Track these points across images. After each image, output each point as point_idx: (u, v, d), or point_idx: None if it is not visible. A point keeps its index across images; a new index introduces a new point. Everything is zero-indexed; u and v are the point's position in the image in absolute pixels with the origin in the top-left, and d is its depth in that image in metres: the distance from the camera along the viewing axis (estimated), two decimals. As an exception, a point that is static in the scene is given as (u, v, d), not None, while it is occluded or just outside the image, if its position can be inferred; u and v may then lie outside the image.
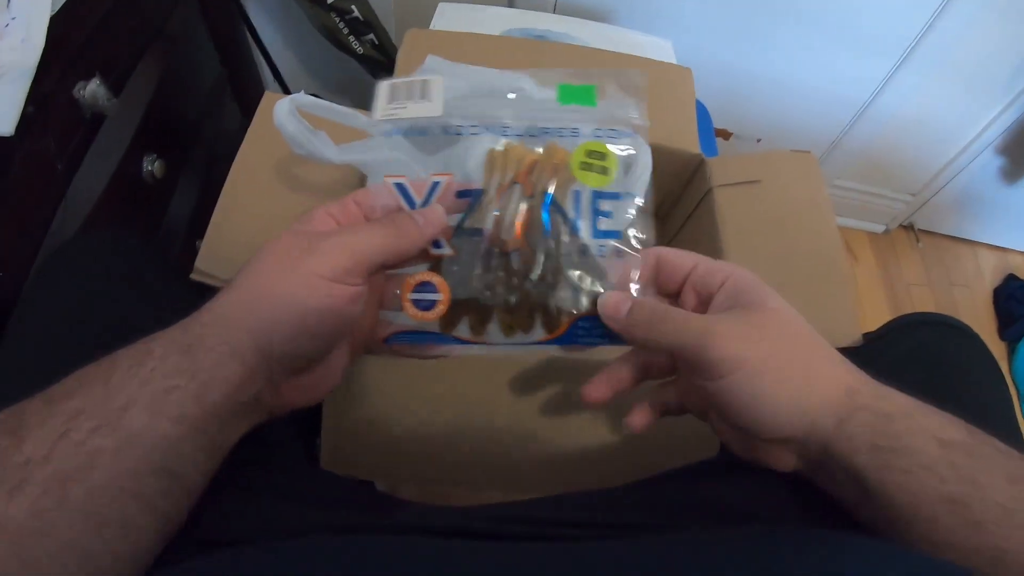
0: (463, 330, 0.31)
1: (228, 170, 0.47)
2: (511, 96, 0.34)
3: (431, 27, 0.74)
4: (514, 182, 0.31)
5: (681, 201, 0.61)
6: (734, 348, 0.27)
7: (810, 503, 0.31)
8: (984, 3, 0.89)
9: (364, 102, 0.36)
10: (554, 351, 0.32)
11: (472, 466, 0.45)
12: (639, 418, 0.33)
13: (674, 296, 0.33)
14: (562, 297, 0.31)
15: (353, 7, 0.89)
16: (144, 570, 0.25)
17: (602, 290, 0.31)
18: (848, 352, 0.47)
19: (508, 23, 0.76)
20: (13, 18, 0.47)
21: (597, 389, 0.32)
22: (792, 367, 0.28)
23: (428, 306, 0.30)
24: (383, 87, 0.34)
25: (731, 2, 0.93)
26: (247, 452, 0.29)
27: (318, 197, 0.48)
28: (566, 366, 0.44)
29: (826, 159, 1.18)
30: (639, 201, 0.32)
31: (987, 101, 1.06)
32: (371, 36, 0.93)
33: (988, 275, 1.36)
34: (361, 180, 0.48)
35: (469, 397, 0.44)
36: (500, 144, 0.32)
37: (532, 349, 0.32)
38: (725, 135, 1.16)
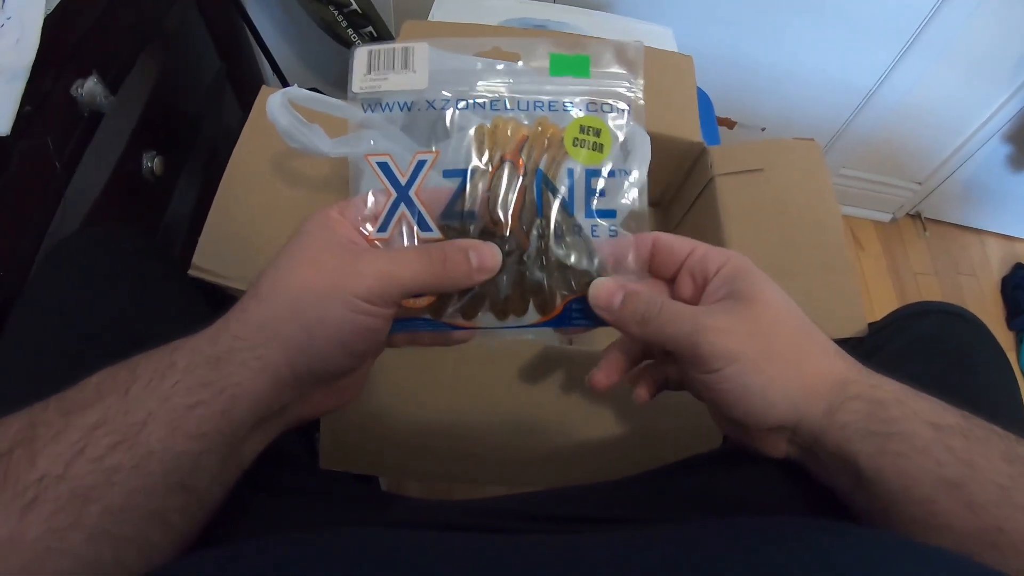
0: (455, 315, 0.30)
1: (228, 166, 0.47)
2: (500, 67, 0.31)
3: (430, 18, 0.74)
4: (503, 160, 0.30)
5: (683, 190, 0.60)
6: (725, 343, 0.28)
7: (811, 492, 0.31)
8: (990, -12, 0.88)
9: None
10: (550, 337, 0.31)
11: (472, 460, 0.45)
12: (642, 391, 0.34)
13: (670, 281, 0.33)
14: (556, 278, 0.30)
15: (351, 0, 0.89)
16: None
17: (595, 271, 0.31)
18: (854, 341, 0.47)
19: (507, 12, 0.75)
20: (8, 18, 0.46)
21: (607, 375, 0.33)
22: (784, 361, 0.28)
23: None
24: (360, 53, 0.30)
25: (733, -11, 0.92)
26: None
27: (316, 191, 0.48)
28: (566, 359, 0.44)
29: (832, 148, 1.17)
30: (635, 177, 0.31)
31: (994, 88, 1.05)
32: (369, 29, 0.93)
33: (995, 264, 1.35)
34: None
35: (469, 391, 0.44)
36: (489, 120, 0.30)
37: (526, 332, 0.31)
38: (729, 124, 1.15)
